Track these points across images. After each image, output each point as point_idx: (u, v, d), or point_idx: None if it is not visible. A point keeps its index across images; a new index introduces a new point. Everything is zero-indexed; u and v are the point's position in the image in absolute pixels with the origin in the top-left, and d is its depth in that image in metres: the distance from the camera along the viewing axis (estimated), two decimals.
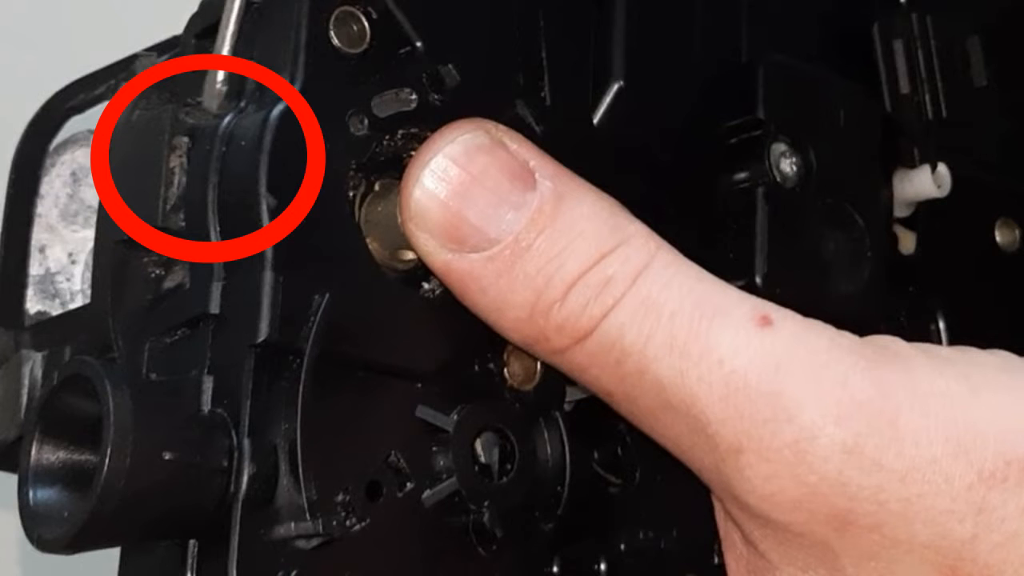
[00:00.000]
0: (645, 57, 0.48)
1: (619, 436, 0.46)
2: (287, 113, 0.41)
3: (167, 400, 0.40)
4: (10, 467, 0.48)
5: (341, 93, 0.42)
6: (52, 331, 0.47)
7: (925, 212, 0.54)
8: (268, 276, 0.40)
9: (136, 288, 0.44)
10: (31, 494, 0.39)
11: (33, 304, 0.50)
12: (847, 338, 0.42)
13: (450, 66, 0.44)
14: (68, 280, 0.51)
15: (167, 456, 0.38)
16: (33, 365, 0.46)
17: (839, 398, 0.40)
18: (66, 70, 0.51)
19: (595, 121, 0.47)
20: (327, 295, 0.41)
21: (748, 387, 0.41)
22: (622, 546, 0.45)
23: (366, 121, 0.42)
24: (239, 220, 0.41)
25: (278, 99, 0.41)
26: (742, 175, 0.49)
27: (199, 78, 0.44)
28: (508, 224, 0.41)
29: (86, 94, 0.50)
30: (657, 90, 0.48)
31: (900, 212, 0.54)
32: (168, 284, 0.44)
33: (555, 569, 0.44)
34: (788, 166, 0.50)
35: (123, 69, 0.48)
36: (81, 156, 0.51)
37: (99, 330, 0.44)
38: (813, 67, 0.51)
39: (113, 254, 0.44)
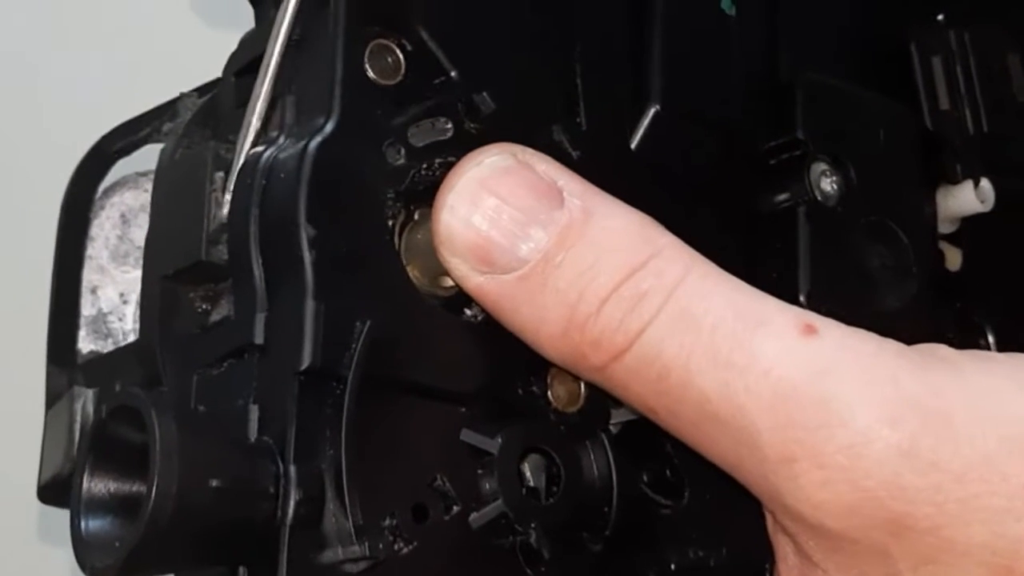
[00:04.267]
0: (682, 80, 0.48)
1: (666, 457, 0.46)
2: (325, 144, 0.42)
3: (213, 428, 0.41)
4: (64, 502, 0.48)
5: (377, 124, 0.43)
6: (102, 367, 0.48)
7: (970, 228, 0.54)
8: (310, 304, 0.41)
9: (183, 322, 0.45)
10: (83, 524, 0.40)
11: (86, 344, 0.51)
12: (893, 344, 0.42)
13: (485, 94, 0.44)
14: (120, 320, 0.52)
15: (214, 483, 0.39)
16: (85, 401, 0.47)
17: (892, 400, 0.40)
18: (112, 114, 0.52)
19: (633, 145, 0.47)
20: (368, 321, 0.41)
21: (797, 394, 0.40)
22: (672, 565, 0.45)
23: (403, 151, 0.43)
24: (280, 251, 0.42)
25: (317, 131, 0.42)
26: (783, 195, 0.50)
27: (239, 115, 0.44)
28: (537, 242, 0.42)
29: (132, 136, 0.51)
30: (695, 113, 0.48)
31: (945, 229, 0.54)
32: (215, 317, 0.44)
33: None
34: (829, 185, 0.50)
35: (167, 111, 0.49)
36: (130, 198, 0.52)
37: (148, 364, 0.45)
38: (851, 85, 0.51)
39: (160, 289, 0.45)
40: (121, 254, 0.52)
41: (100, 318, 0.51)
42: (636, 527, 0.45)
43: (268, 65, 0.43)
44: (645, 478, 0.46)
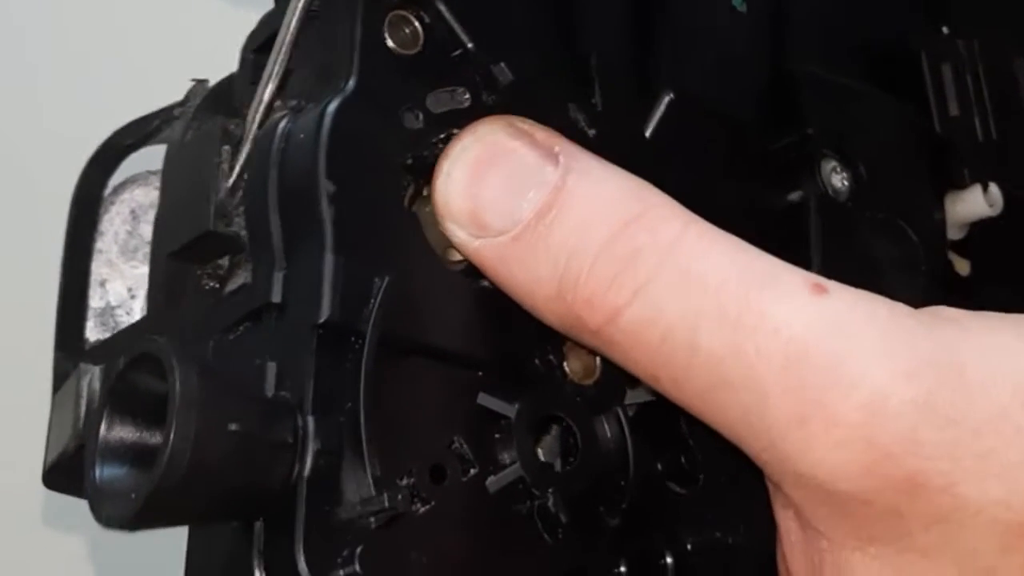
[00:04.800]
0: (694, 71, 0.49)
1: (682, 441, 0.46)
2: (343, 104, 0.42)
3: (232, 381, 0.40)
4: (69, 487, 0.48)
5: (396, 89, 0.43)
6: (109, 348, 0.48)
7: (979, 232, 0.54)
8: (329, 258, 0.41)
9: (191, 300, 0.44)
10: (98, 471, 0.39)
11: (93, 334, 0.51)
12: (901, 305, 0.41)
13: (503, 65, 0.44)
14: (128, 314, 0.51)
15: (232, 428, 0.38)
16: (91, 377, 0.46)
17: (906, 357, 0.40)
18: (123, 110, 0.52)
19: (647, 133, 0.48)
20: (387, 278, 0.41)
21: (809, 354, 0.40)
22: (688, 545, 0.45)
23: (421, 116, 0.43)
24: (298, 209, 0.41)
25: (336, 95, 0.42)
26: (793, 189, 0.50)
27: (254, 91, 0.45)
28: (530, 202, 0.41)
29: (144, 129, 0.51)
30: (707, 104, 0.49)
31: (954, 234, 0.54)
32: (229, 289, 0.44)
33: (622, 568, 0.44)
34: (839, 181, 0.50)
35: (179, 104, 0.49)
36: (140, 195, 0.52)
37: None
38: (860, 84, 0.52)
39: (166, 266, 0.44)
40: (130, 249, 0.52)
41: (108, 311, 0.51)
42: (652, 505, 0.45)
43: (287, 26, 0.43)
44: (660, 467, 0.45)
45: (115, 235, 0.52)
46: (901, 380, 0.39)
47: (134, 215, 0.52)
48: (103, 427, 0.40)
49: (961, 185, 0.53)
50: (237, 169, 0.44)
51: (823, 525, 0.41)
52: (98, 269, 0.52)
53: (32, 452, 0.49)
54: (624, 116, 0.47)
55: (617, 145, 0.46)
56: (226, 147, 0.44)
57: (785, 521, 0.43)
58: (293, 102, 0.44)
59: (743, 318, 0.40)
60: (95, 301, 0.51)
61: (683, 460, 0.46)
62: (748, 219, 0.49)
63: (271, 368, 0.41)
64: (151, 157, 0.52)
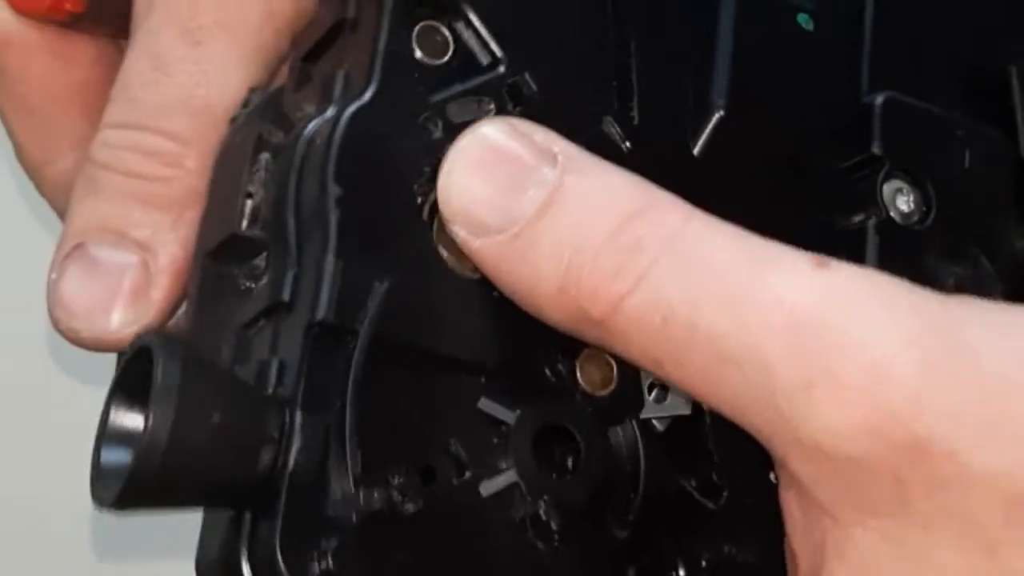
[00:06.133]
0: (750, 89, 0.48)
1: (707, 456, 0.45)
2: (359, 111, 0.43)
3: (223, 373, 0.42)
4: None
5: (416, 98, 0.44)
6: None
7: None
8: (330, 259, 0.42)
9: (227, 298, 0.46)
10: (101, 455, 0.41)
11: None
12: (906, 281, 0.41)
13: (528, 76, 0.45)
14: None
15: (215, 419, 0.39)
16: None
17: (912, 323, 0.39)
18: None
19: (695, 151, 0.47)
20: (388, 282, 0.42)
21: (813, 321, 0.39)
22: (703, 561, 0.44)
23: (440, 125, 0.44)
24: (310, 212, 0.43)
25: (354, 100, 0.43)
26: (855, 210, 0.49)
27: (296, 99, 0.46)
28: (530, 200, 0.42)
29: None
30: (762, 123, 0.48)
31: None
32: (257, 287, 0.46)
33: None
34: (904, 203, 0.49)
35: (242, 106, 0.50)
36: None
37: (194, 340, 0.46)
38: (938, 107, 0.50)
39: (202, 263, 0.46)
40: None
41: None
42: (668, 518, 0.44)
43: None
44: (693, 483, 0.45)
45: None
46: (906, 344, 0.39)
47: None
48: (110, 415, 0.41)
49: None
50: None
51: (825, 499, 0.41)
52: None
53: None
54: (667, 132, 0.47)
55: (656, 160, 0.46)
56: (265, 154, 0.45)
57: (788, 506, 0.42)
58: (330, 109, 0.45)
59: (744, 293, 0.40)
60: None
61: (707, 475, 0.45)
62: (802, 240, 0.48)
63: (274, 364, 0.42)
64: None
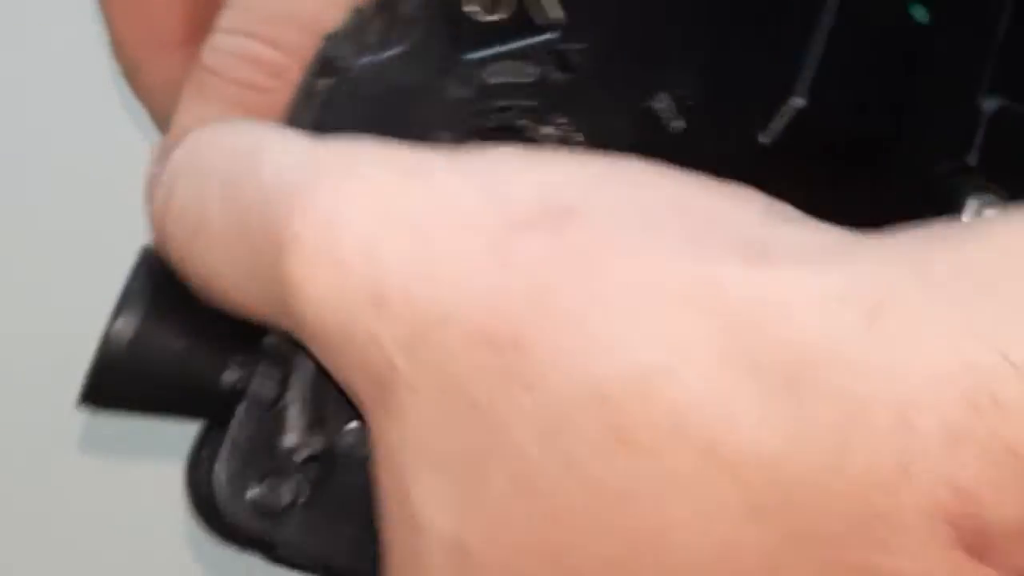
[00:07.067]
0: (840, 80, 0.46)
1: None
2: (383, 61, 0.44)
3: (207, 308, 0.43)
4: None
5: (452, 53, 0.44)
6: None
7: None
8: None
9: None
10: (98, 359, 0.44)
11: None
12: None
13: (581, 46, 0.44)
14: None
15: (177, 339, 0.42)
16: None
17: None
18: None
19: (762, 138, 0.46)
20: None
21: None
22: None
23: (474, 83, 0.44)
24: None
25: (385, 49, 0.44)
26: (933, 213, 0.46)
27: None
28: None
29: None
30: (847, 118, 0.46)
31: None
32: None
33: None
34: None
35: None
36: None
37: None
38: None
39: None
40: None
41: None
42: None
43: None
44: None
45: None
46: (358, 195, 0.38)
47: None
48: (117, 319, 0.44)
49: None
50: None
51: (360, 397, 0.39)
52: None
53: None
54: (730, 116, 0.46)
55: (709, 143, 0.45)
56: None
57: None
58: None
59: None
60: None
61: None
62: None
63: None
64: None
